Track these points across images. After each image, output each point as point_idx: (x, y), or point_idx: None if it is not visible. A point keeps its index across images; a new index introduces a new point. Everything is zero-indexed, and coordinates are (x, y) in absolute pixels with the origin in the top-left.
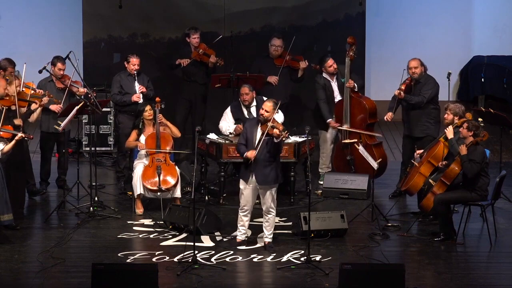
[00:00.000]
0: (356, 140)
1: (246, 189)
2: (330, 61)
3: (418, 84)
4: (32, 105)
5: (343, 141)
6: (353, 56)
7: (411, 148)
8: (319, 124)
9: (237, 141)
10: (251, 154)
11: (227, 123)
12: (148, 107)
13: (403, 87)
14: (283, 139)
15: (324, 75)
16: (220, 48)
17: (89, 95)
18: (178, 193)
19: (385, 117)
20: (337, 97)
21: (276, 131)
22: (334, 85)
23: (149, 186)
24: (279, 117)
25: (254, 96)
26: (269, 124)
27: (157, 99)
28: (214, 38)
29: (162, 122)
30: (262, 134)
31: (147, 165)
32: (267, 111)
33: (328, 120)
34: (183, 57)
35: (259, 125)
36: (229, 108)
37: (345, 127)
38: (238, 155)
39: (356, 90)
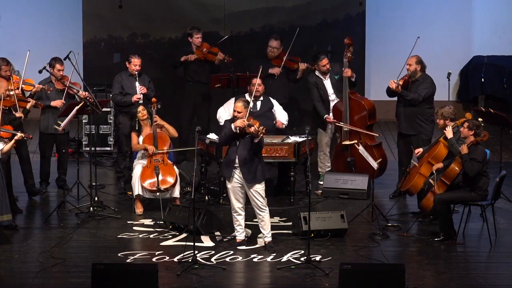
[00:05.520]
0: (356, 141)
1: (232, 189)
2: (325, 61)
3: (415, 83)
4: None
5: (343, 143)
6: (351, 57)
7: (405, 146)
8: (316, 123)
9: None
10: (241, 122)
11: (225, 113)
12: (140, 108)
13: (400, 82)
14: (261, 135)
15: (317, 73)
16: (220, 48)
17: (88, 98)
18: (177, 193)
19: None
20: (331, 96)
21: (252, 129)
22: (327, 83)
23: (148, 187)
24: (283, 116)
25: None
26: (246, 122)
27: (153, 99)
28: (214, 38)
29: (158, 124)
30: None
31: (145, 166)
32: (239, 112)
33: (325, 116)
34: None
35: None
36: (233, 99)
37: (345, 128)
38: None
39: (353, 80)
